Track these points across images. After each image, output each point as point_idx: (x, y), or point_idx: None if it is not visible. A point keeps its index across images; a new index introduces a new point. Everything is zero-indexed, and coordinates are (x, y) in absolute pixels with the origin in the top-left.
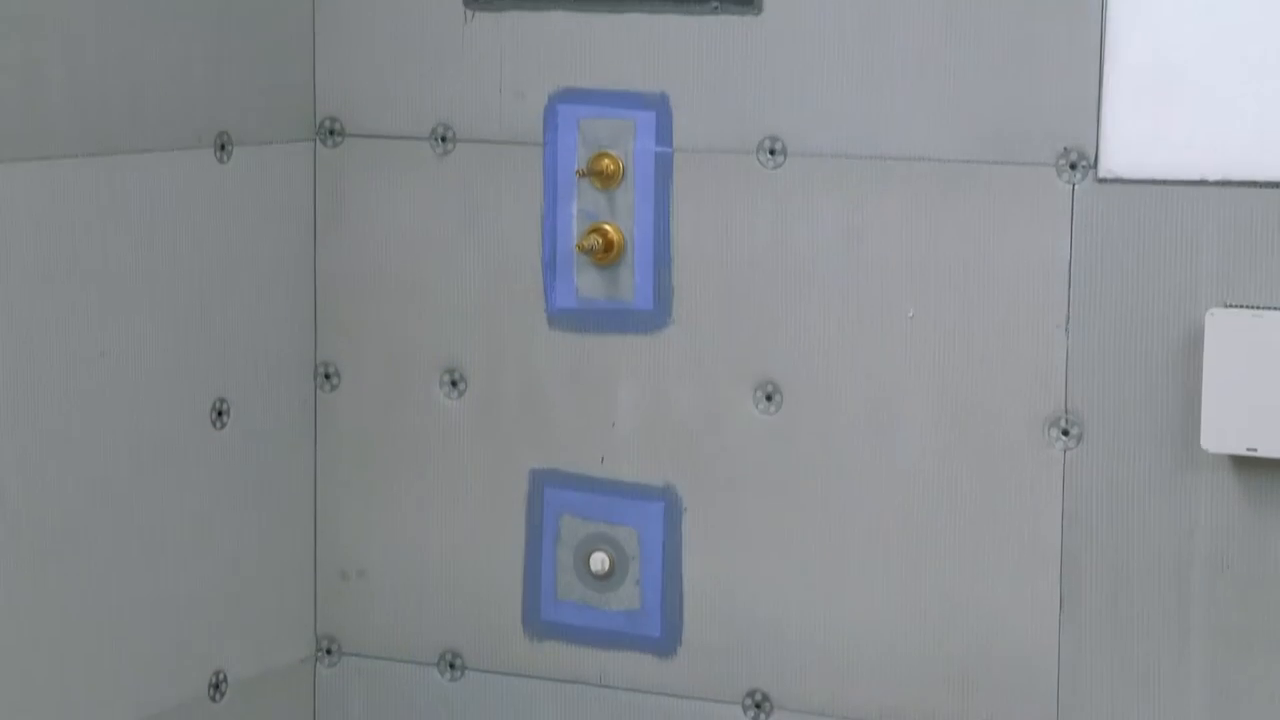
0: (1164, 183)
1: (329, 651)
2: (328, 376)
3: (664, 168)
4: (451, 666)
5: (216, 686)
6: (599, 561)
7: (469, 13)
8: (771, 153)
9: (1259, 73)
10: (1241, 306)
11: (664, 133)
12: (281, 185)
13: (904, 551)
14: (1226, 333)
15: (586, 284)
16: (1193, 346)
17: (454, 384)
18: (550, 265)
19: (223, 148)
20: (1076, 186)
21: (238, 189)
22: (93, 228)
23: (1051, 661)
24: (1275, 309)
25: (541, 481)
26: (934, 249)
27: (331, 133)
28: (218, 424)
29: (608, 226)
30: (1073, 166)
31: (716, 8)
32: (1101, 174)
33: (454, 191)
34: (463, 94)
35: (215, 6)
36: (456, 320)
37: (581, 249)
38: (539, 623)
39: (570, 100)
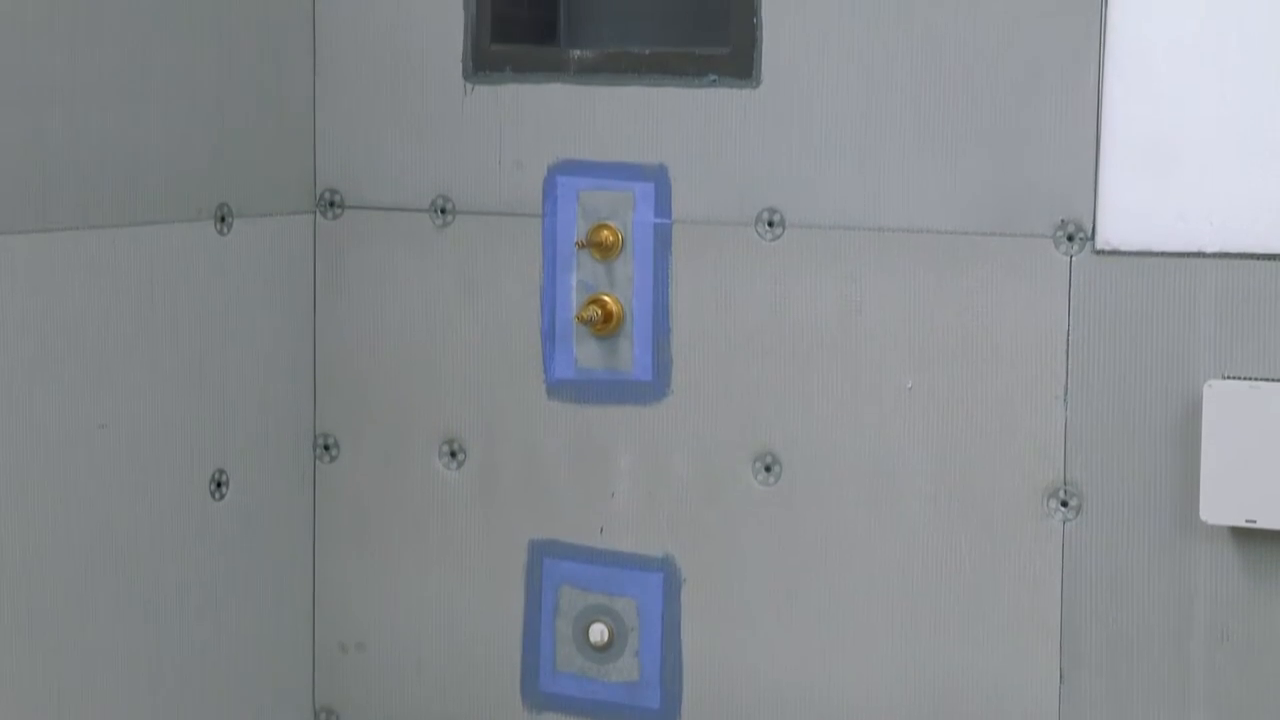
0: (1161, 254)
1: None
2: (327, 447)
3: (663, 239)
4: None
5: None
6: (598, 632)
7: (468, 85)
8: (770, 224)
9: (1255, 146)
10: (1239, 378)
11: (663, 204)
12: (281, 257)
13: (904, 622)
14: (1225, 404)
15: (586, 355)
16: (1191, 418)
17: (453, 455)
18: (549, 336)
19: (223, 220)
20: (1074, 258)
21: (238, 261)
22: (93, 300)
23: None
24: (1273, 380)
25: (540, 552)
26: (932, 320)
27: (331, 204)
28: (216, 495)
29: (607, 297)
30: (1070, 238)
31: (715, 80)
32: (1099, 246)
33: (453, 263)
34: (462, 166)
35: (216, 80)
36: (456, 391)
37: (581, 320)
38: (538, 694)
39: (569, 172)
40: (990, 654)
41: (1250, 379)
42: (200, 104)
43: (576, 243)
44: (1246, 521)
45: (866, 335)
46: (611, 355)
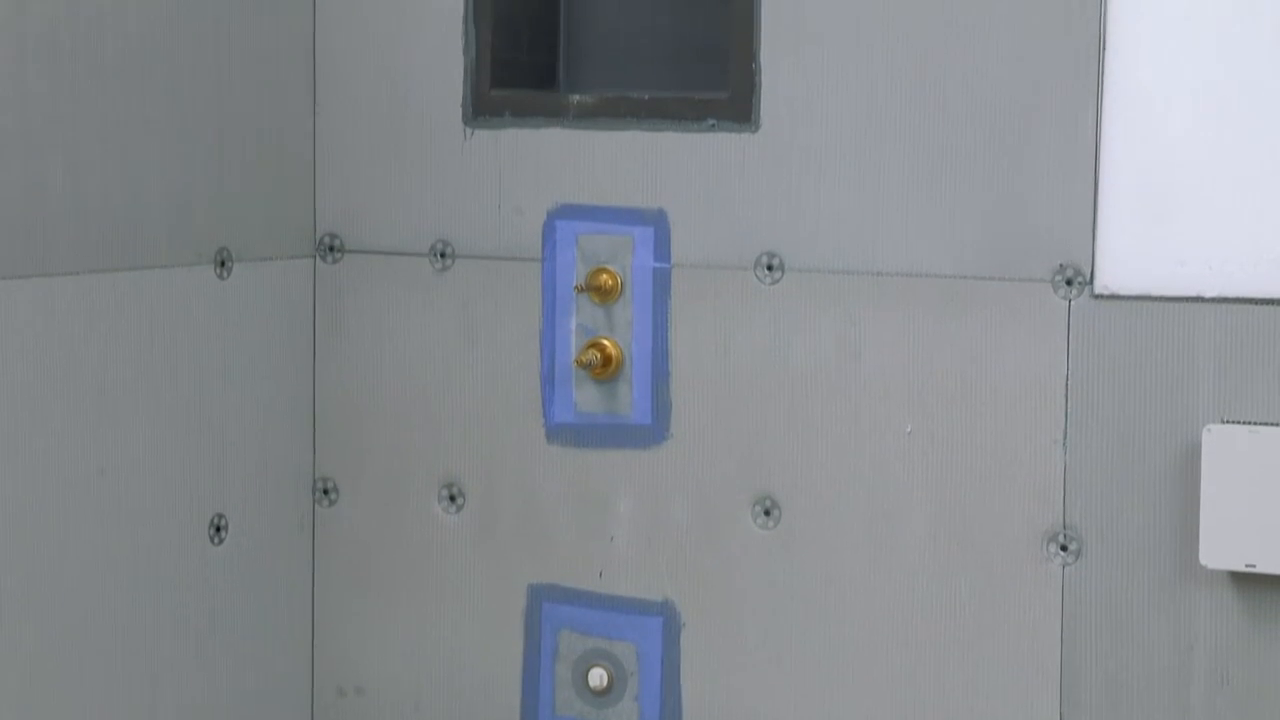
0: (1160, 299)
1: None
2: (326, 492)
3: (662, 283)
4: None
5: None
6: (597, 677)
7: (468, 130)
8: (769, 268)
9: (1253, 189)
10: (1238, 422)
11: (662, 248)
12: (281, 301)
13: (903, 667)
14: (1224, 448)
15: (585, 398)
16: (1190, 462)
17: (452, 499)
18: (549, 380)
19: (223, 264)
20: (1073, 302)
21: (237, 305)
22: (92, 344)
23: None
24: (1272, 425)
25: (540, 596)
26: (931, 364)
27: (331, 249)
28: (215, 540)
29: (606, 341)
30: (1069, 282)
31: (714, 125)
32: (1097, 290)
33: (453, 307)
34: (462, 210)
35: (216, 124)
36: (455, 435)
37: (580, 364)
38: None
39: (569, 216)
40: (990, 698)
41: (1250, 424)
42: (200, 149)
43: (576, 287)
44: (1246, 566)
45: (866, 379)
46: (611, 399)
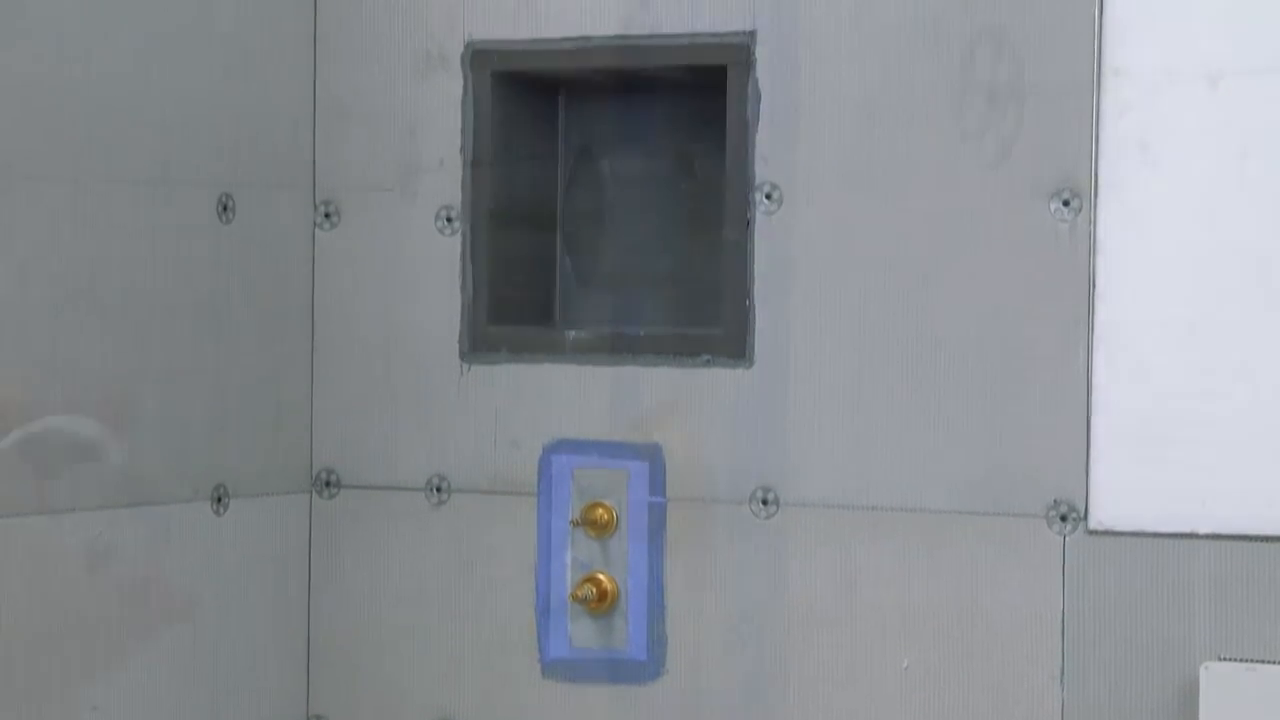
0: (1155, 535)
1: None
2: None
3: (657, 517)
4: None
5: None
6: None
7: (465, 365)
8: (764, 503)
9: (1243, 426)
10: (1236, 660)
11: (657, 483)
12: (277, 537)
13: None
14: (1222, 686)
15: (580, 633)
16: (1188, 699)
17: None
18: (544, 614)
19: (219, 500)
20: (1067, 538)
21: (233, 541)
22: (89, 581)
23: None
24: (1270, 663)
25: None
26: (927, 599)
27: (327, 484)
28: None
29: (601, 576)
30: (1063, 518)
31: (709, 360)
32: (1092, 526)
33: (448, 542)
34: (458, 445)
35: (213, 361)
36: (450, 670)
37: (575, 598)
38: None
39: (564, 451)
40: None
41: (1247, 661)
42: (197, 386)
43: (571, 521)
44: None
45: (862, 614)
46: (606, 634)
